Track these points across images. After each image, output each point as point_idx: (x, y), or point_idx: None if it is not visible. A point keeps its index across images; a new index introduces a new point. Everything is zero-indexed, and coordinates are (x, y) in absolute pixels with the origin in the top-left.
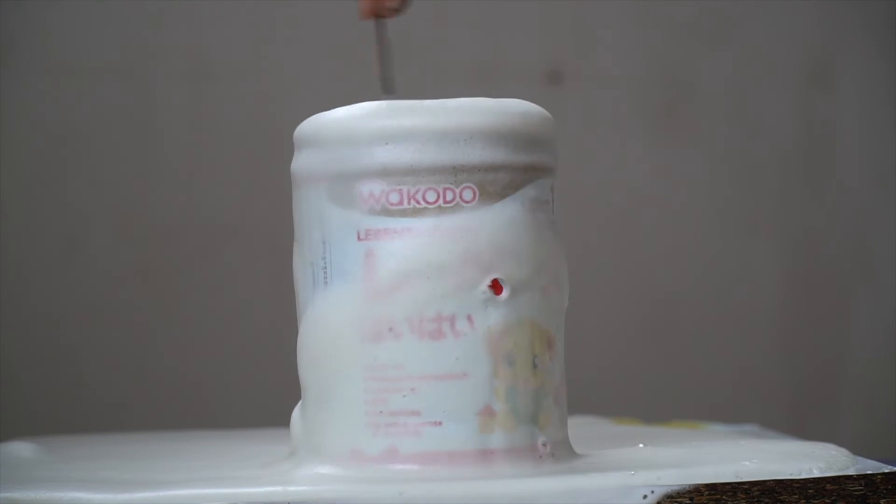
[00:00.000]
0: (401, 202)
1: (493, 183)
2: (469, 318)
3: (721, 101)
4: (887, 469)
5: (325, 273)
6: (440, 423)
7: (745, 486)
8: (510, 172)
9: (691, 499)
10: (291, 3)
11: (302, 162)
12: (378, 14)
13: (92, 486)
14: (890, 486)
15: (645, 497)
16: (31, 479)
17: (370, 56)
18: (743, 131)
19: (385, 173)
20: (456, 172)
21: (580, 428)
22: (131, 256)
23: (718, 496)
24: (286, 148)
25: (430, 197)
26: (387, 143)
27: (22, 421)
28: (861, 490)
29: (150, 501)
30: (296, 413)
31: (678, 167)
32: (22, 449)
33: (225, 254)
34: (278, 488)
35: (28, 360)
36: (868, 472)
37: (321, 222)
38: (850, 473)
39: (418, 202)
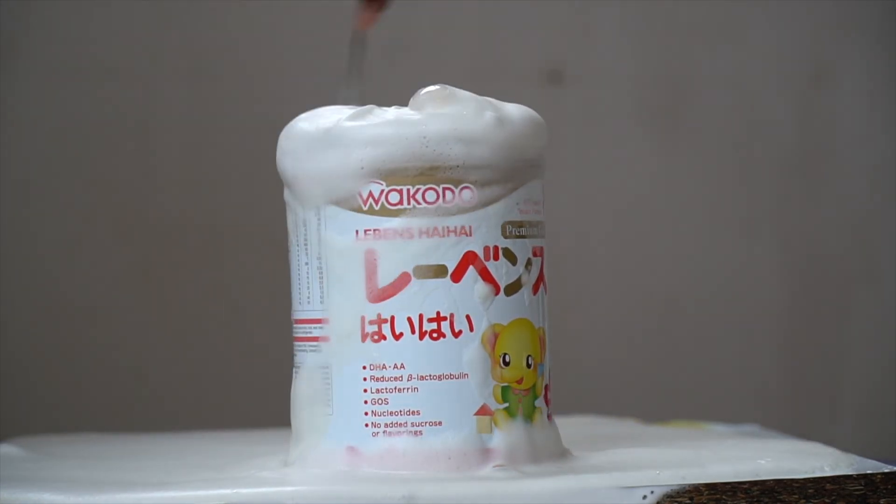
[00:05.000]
0: (400, 202)
1: (490, 185)
2: (467, 318)
3: (721, 102)
4: (887, 469)
5: (321, 272)
6: (440, 423)
7: (745, 486)
8: (505, 175)
9: (691, 499)
10: (291, 3)
11: (297, 163)
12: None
13: (52, 485)
14: (890, 486)
15: (645, 497)
16: None
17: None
18: (743, 131)
19: (383, 174)
20: (454, 174)
21: (580, 428)
22: (131, 256)
23: (718, 496)
24: None
25: (430, 197)
26: (386, 146)
27: (21, 420)
28: (861, 490)
29: (115, 502)
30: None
31: (678, 167)
32: (6, 450)
33: (225, 254)
34: (273, 489)
35: (28, 360)
36: (868, 471)
37: (318, 221)
38: (850, 473)
39: (418, 202)
